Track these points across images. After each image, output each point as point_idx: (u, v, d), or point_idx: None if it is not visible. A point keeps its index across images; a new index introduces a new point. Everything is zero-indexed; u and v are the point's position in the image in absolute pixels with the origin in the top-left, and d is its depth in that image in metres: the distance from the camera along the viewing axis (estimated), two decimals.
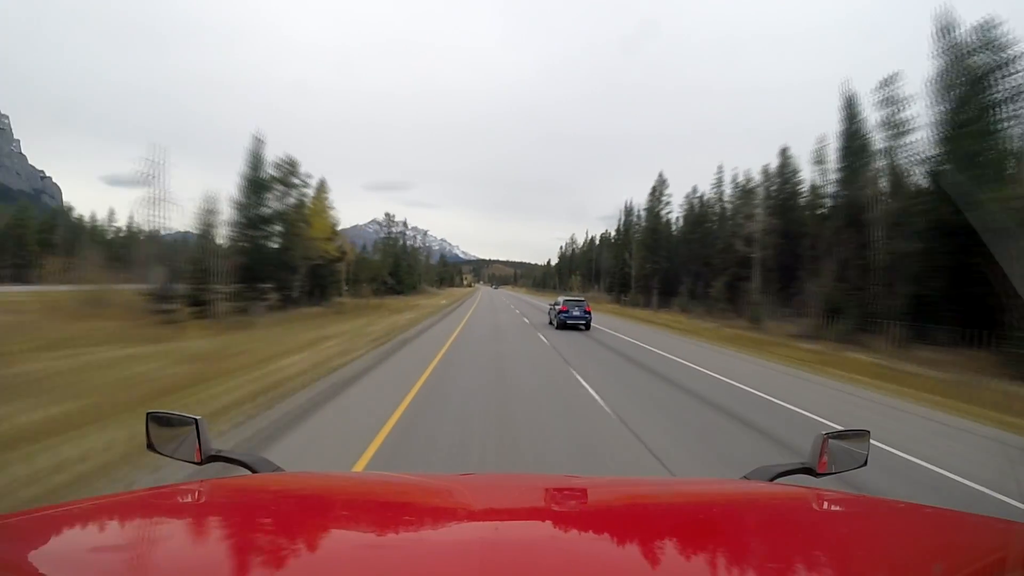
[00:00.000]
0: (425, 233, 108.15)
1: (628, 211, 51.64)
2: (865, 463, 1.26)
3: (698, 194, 39.41)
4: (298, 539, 0.79)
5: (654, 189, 42.57)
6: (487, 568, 0.67)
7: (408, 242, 73.20)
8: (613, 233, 63.93)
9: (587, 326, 19.07)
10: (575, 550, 0.78)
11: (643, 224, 44.69)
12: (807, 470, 1.23)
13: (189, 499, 0.98)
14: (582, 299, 20.15)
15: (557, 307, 19.72)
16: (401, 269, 50.00)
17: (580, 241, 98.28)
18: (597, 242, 75.87)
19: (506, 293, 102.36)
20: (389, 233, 55.91)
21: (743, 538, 0.86)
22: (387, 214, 57.39)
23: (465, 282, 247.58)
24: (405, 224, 59.64)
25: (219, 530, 0.84)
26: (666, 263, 38.43)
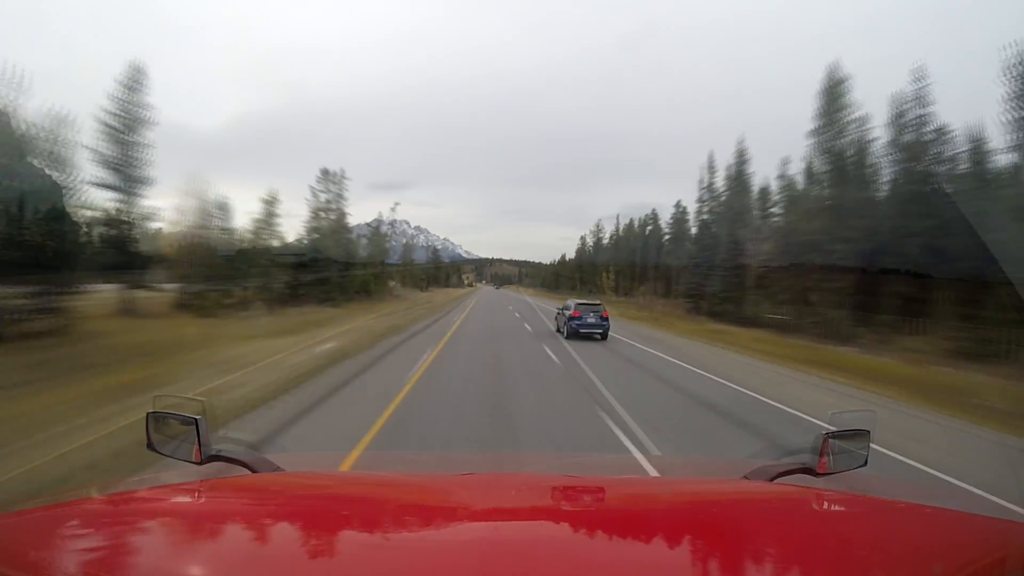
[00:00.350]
0: (394, 208, 74.39)
1: (738, 159, 27.16)
2: (865, 463, 1.24)
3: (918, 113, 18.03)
4: (297, 539, 0.78)
5: (830, 93, 19.43)
6: (486, 568, 0.66)
7: (375, 222, 49.19)
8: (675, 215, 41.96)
9: (604, 335, 15.36)
10: (574, 550, 0.76)
11: (810, 167, 21.05)
12: (807, 470, 1.22)
13: (188, 499, 0.97)
14: (598, 303, 16.69)
15: (567, 312, 15.86)
16: (322, 258, 25.86)
17: (609, 228, 71.00)
18: (636, 227, 53.47)
19: (512, 295, 77.79)
20: (326, 198, 29.54)
21: (744, 539, 0.83)
22: (323, 170, 29.95)
23: (466, 281, 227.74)
24: (341, 181, 30.59)
25: (218, 530, 0.82)
26: (867, 243, 17.30)
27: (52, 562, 0.66)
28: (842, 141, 19.62)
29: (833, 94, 19.69)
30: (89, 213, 14.77)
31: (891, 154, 18.59)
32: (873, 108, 19.28)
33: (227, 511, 0.91)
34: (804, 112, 20.32)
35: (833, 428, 1.26)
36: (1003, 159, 15.20)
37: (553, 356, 11.83)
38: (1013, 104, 13.87)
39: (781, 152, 20.11)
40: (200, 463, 1.14)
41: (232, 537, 0.79)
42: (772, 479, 1.24)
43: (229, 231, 22.31)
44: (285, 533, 0.80)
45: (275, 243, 25.68)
